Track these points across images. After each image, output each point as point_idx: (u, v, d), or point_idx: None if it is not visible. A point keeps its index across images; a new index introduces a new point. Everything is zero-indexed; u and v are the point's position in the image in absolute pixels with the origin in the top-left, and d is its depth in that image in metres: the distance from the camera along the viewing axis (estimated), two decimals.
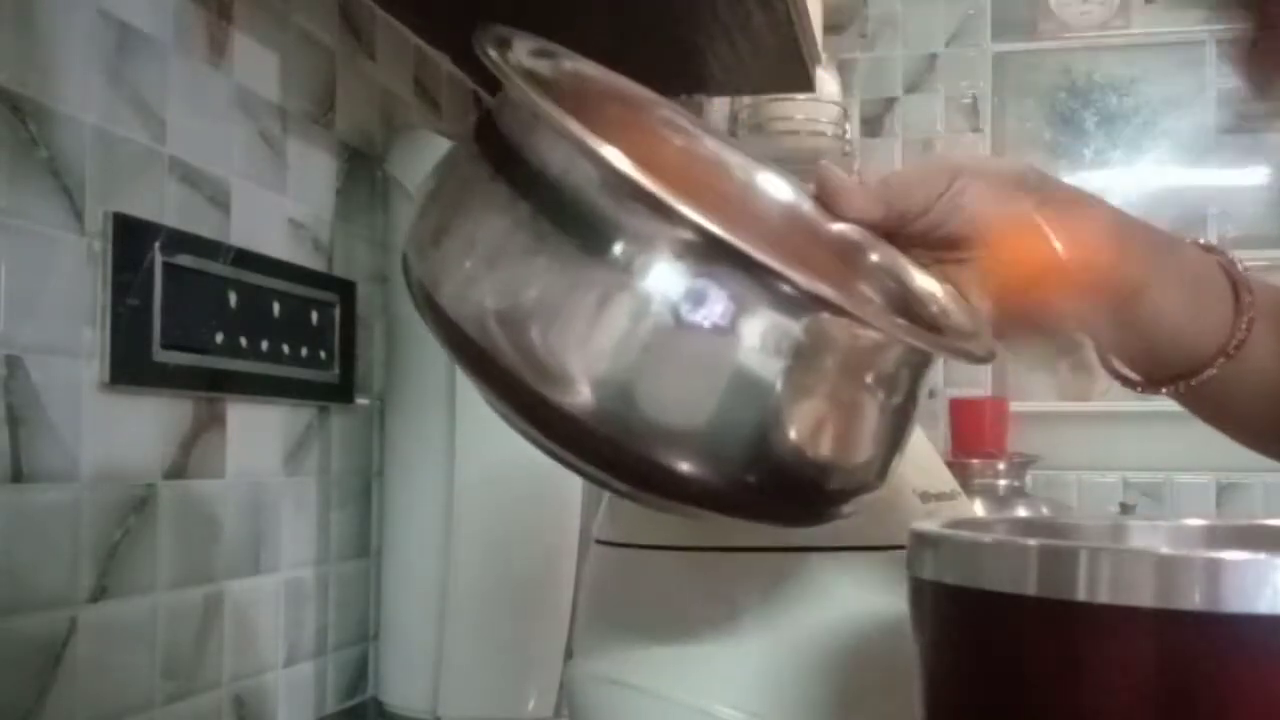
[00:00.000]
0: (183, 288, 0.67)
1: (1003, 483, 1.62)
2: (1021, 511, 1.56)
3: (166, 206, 0.67)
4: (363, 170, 0.89)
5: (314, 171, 0.83)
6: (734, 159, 0.53)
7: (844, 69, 1.92)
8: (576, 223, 0.36)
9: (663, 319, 0.35)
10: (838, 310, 0.36)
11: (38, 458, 0.58)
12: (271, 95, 0.78)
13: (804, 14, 0.99)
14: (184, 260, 0.67)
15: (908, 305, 0.49)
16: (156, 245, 0.65)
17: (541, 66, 0.45)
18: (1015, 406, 1.92)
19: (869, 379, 0.38)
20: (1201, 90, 1.88)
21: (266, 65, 0.77)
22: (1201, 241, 0.57)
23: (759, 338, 0.36)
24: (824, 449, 0.38)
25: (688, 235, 0.35)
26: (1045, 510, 1.60)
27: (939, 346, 0.42)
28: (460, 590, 0.82)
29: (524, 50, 0.43)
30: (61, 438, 0.59)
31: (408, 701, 0.85)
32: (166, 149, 0.67)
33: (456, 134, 0.94)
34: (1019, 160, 0.55)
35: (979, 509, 1.53)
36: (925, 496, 0.52)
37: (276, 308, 0.76)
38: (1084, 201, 0.52)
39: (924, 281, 0.49)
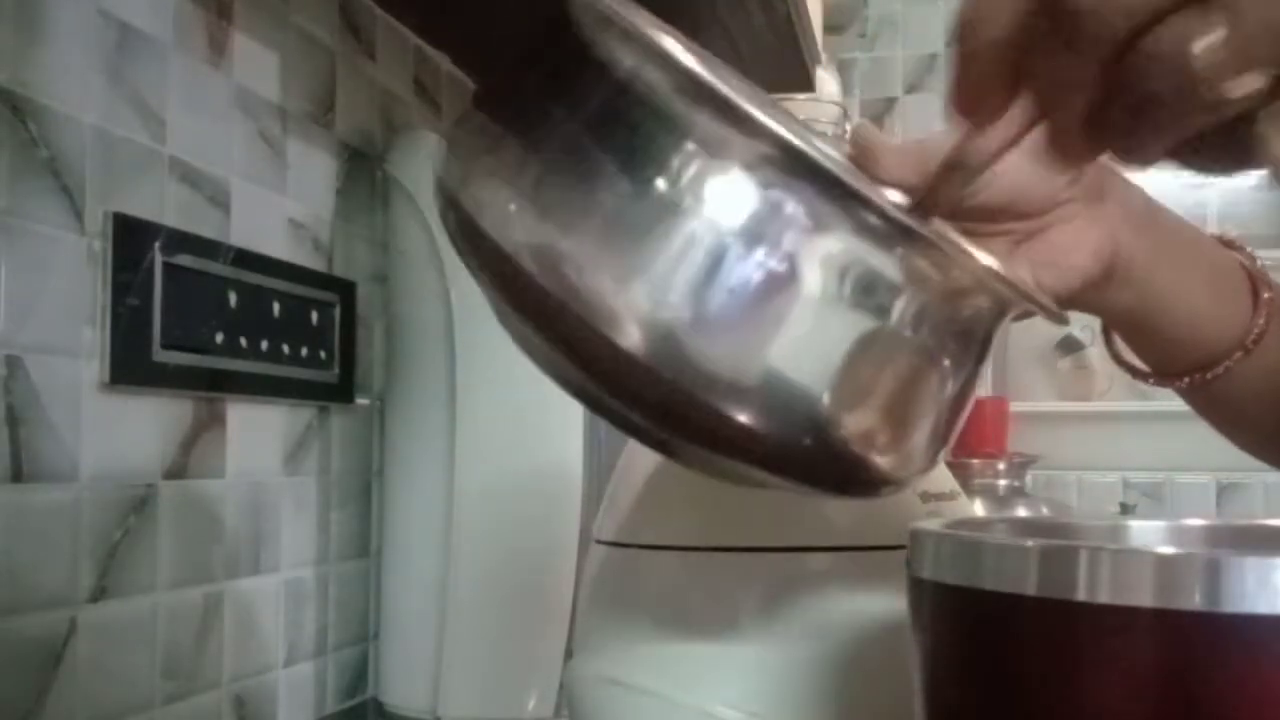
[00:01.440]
0: (183, 288, 0.67)
1: (1003, 483, 1.62)
2: (1021, 511, 1.56)
3: (166, 206, 0.67)
4: (363, 170, 0.89)
5: (314, 171, 0.83)
6: (787, 124, 0.51)
7: (844, 69, 1.92)
8: (644, 134, 0.32)
9: (735, 242, 0.32)
10: (927, 245, 0.32)
11: (38, 458, 0.58)
12: (271, 95, 0.78)
13: (804, 14, 0.99)
14: (184, 260, 0.67)
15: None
16: (156, 245, 0.65)
17: None
18: (1015, 406, 1.92)
19: (947, 330, 0.35)
20: None
21: (266, 65, 0.77)
22: (1221, 235, 0.57)
23: (840, 271, 0.32)
24: (891, 415, 0.35)
25: (766, 148, 0.31)
26: (1045, 510, 1.60)
27: (1025, 295, 0.38)
28: (460, 590, 0.82)
29: None
30: (61, 438, 0.59)
31: (408, 701, 0.85)
32: (166, 149, 0.67)
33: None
34: None
35: (979, 509, 1.53)
36: (925, 496, 0.52)
37: (276, 308, 0.76)
38: (1112, 182, 0.51)
39: (979, 255, 0.48)
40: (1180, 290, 0.52)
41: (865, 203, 0.32)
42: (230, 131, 0.73)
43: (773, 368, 0.33)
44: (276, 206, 0.78)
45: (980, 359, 0.38)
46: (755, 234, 0.32)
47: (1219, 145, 0.32)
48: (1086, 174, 0.50)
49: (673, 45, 0.31)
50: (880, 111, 2.01)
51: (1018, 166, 0.48)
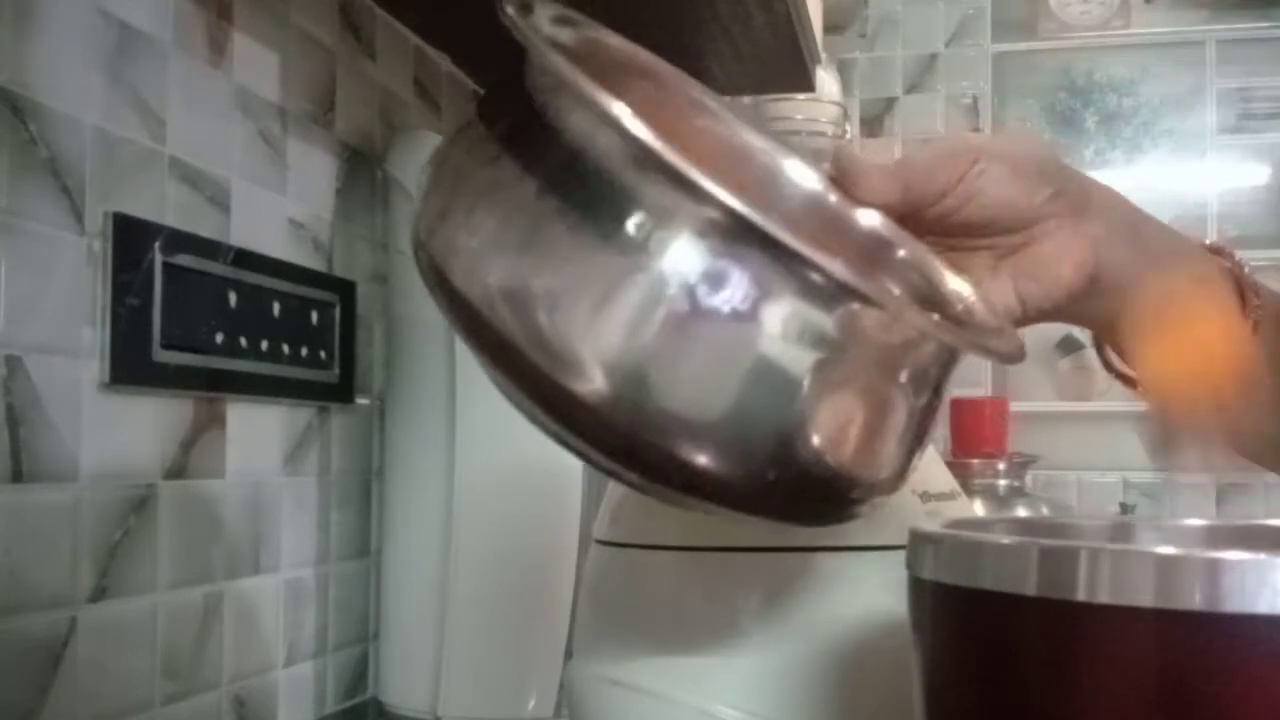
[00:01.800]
0: (183, 288, 0.67)
1: (1003, 483, 1.61)
2: (1021, 511, 1.56)
3: (166, 206, 0.67)
4: (363, 170, 0.89)
5: (314, 171, 0.83)
6: (760, 144, 0.51)
7: (844, 69, 1.92)
8: (596, 196, 0.34)
9: (682, 301, 0.33)
10: (870, 302, 0.34)
11: (38, 458, 0.58)
12: (271, 95, 0.78)
13: (804, 14, 0.99)
14: (184, 260, 0.67)
15: (933, 303, 0.48)
16: (156, 245, 0.65)
17: (563, 34, 0.43)
18: (1015, 406, 1.92)
19: (898, 375, 0.37)
20: (1201, 90, 1.88)
21: (266, 65, 0.77)
22: (1209, 242, 0.57)
23: (786, 326, 0.34)
24: (849, 447, 0.36)
25: (713, 214, 0.33)
26: (1045, 510, 1.60)
27: (972, 343, 0.40)
28: (460, 590, 0.82)
29: (545, 16, 0.41)
30: (61, 438, 0.59)
31: (408, 701, 0.85)
32: (166, 149, 0.67)
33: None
34: (1042, 144, 0.55)
35: (979, 509, 1.53)
36: (925, 496, 0.52)
37: (276, 308, 0.76)
38: (1095, 195, 0.52)
39: (952, 280, 0.49)
40: (1165, 300, 0.53)
41: (810, 263, 0.33)
42: (230, 131, 0.73)
43: (727, 414, 0.34)
44: (276, 206, 0.78)
45: (936, 392, 0.39)
46: (705, 293, 0.33)
47: None
48: (1068, 189, 0.50)
49: (622, 111, 0.33)
50: (880, 111, 2.01)
51: (999, 183, 0.49)
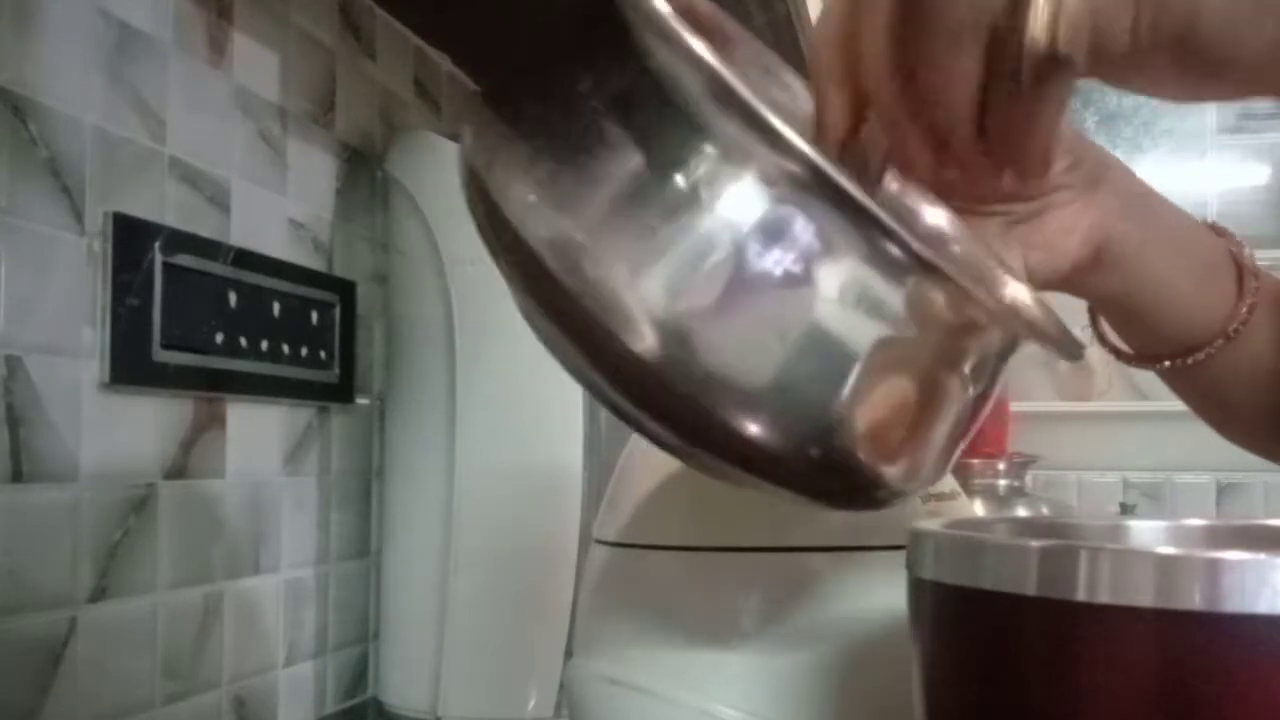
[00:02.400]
0: (183, 288, 0.67)
1: (1003, 483, 1.62)
2: (1021, 511, 1.56)
3: (166, 206, 0.67)
4: (363, 170, 0.89)
5: (314, 171, 0.83)
6: None
7: None
8: (669, 134, 0.32)
9: (743, 256, 0.32)
10: (945, 279, 0.32)
11: (38, 458, 0.58)
12: (271, 95, 0.78)
13: (804, 14, 0.99)
14: (184, 260, 0.67)
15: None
16: (156, 245, 0.65)
17: None
18: (1015, 406, 1.92)
19: (957, 361, 0.35)
20: None
21: (266, 65, 0.77)
22: (1212, 223, 0.58)
23: (852, 293, 0.32)
24: (897, 432, 0.35)
25: (788, 166, 0.31)
26: (1045, 510, 1.60)
27: (1041, 331, 0.38)
28: (460, 590, 0.82)
29: None
30: (61, 438, 0.59)
31: (408, 701, 0.85)
32: (166, 149, 0.67)
33: (458, 121, 0.93)
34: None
35: (979, 509, 1.53)
36: (925, 496, 0.52)
37: (276, 308, 0.76)
38: (1107, 168, 0.52)
39: (1010, 280, 0.48)
40: (1167, 277, 0.53)
41: (885, 230, 0.32)
42: (230, 131, 0.73)
43: (780, 378, 0.33)
44: (276, 206, 0.78)
45: (993, 380, 0.38)
46: (770, 245, 0.32)
47: None
48: (1085, 161, 0.50)
49: (707, 53, 0.31)
50: None
51: None
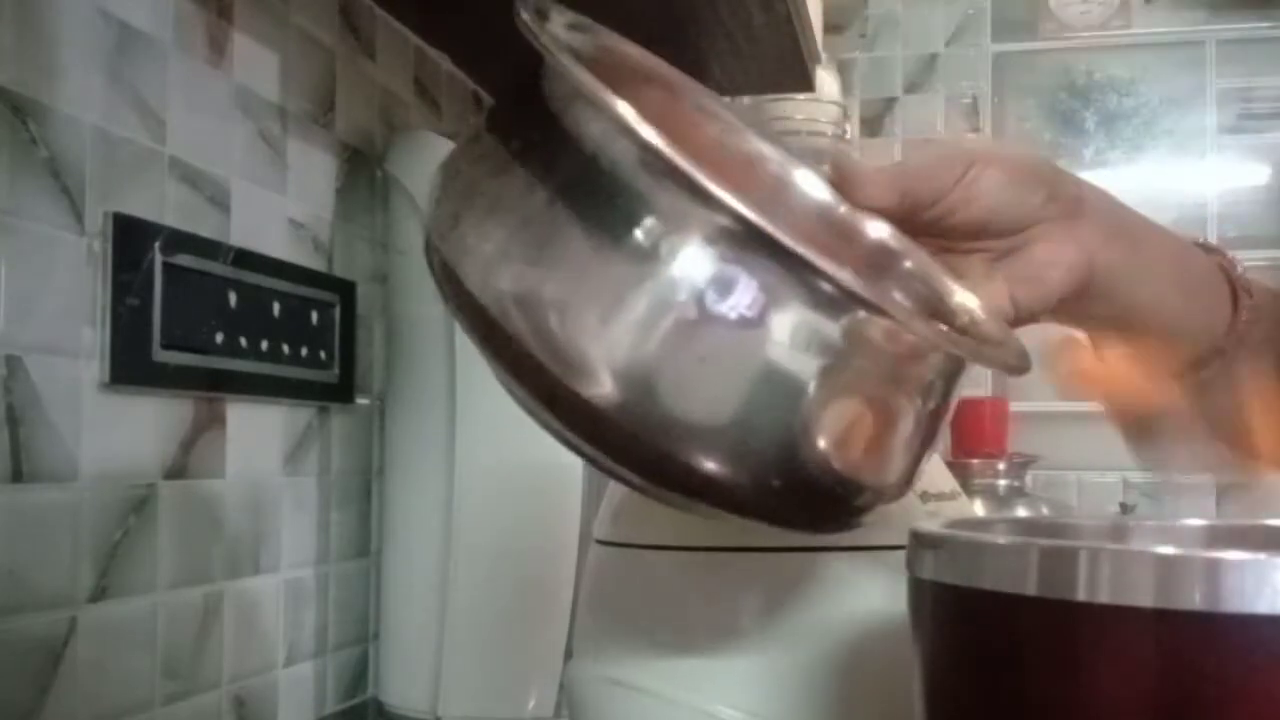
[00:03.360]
0: (183, 288, 0.67)
1: (1003, 483, 1.61)
2: (1021, 511, 1.56)
3: (166, 206, 0.67)
4: (363, 170, 0.89)
5: (314, 171, 0.83)
6: (769, 153, 0.52)
7: (844, 69, 1.92)
8: (609, 202, 0.35)
9: (691, 308, 0.34)
10: (878, 311, 0.34)
11: (38, 458, 0.58)
12: (271, 95, 0.78)
13: (804, 14, 0.99)
14: (184, 260, 0.67)
15: (939, 314, 0.48)
16: (156, 245, 0.65)
17: (577, 40, 0.43)
18: (1015, 406, 1.92)
19: (904, 383, 0.37)
20: (1201, 90, 1.88)
21: (266, 65, 0.77)
22: (1202, 241, 0.58)
23: (792, 334, 0.34)
24: (853, 455, 0.36)
25: (723, 220, 0.33)
26: (1045, 510, 1.60)
27: (978, 353, 0.41)
28: (460, 590, 0.82)
29: (560, 23, 0.42)
30: (61, 438, 0.59)
31: (408, 701, 0.85)
32: (166, 149, 0.67)
33: (463, 129, 0.94)
34: (1033, 152, 0.56)
35: (979, 509, 1.53)
36: (925, 496, 0.52)
37: (276, 308, 0.76)
38: (1089, 199, 0.52)
39: (958, 293, 0.49)
40: (1157, 301, 0.53)
41: (818, 271, 0.33)
42: (230, 131, 0.73)
43: (732, 420, 0.35)
44: (276, 206, 0.78)
45: (946, 395, 0.40)
46: (714, 300, 0.34)
47: None
48: (1061, 193, 0.51)
49: (635, 118, 0.33)
50: (880, 112, 2.01)
51: (994, 188, 0.49)
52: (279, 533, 0.79)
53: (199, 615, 0.70)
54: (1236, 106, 1.89)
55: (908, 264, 0.49)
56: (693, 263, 0.34)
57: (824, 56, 1.20)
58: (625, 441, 0.36)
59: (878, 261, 0.49)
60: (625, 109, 0.33)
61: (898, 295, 0.48)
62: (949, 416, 0.41)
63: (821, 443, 0.35)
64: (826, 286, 0.34)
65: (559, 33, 0.40)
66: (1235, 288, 0.55)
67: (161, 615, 0.67)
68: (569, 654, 0.58)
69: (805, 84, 1.14)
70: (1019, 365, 0.42)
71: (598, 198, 0.35)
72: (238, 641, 0.74)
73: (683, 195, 0.33)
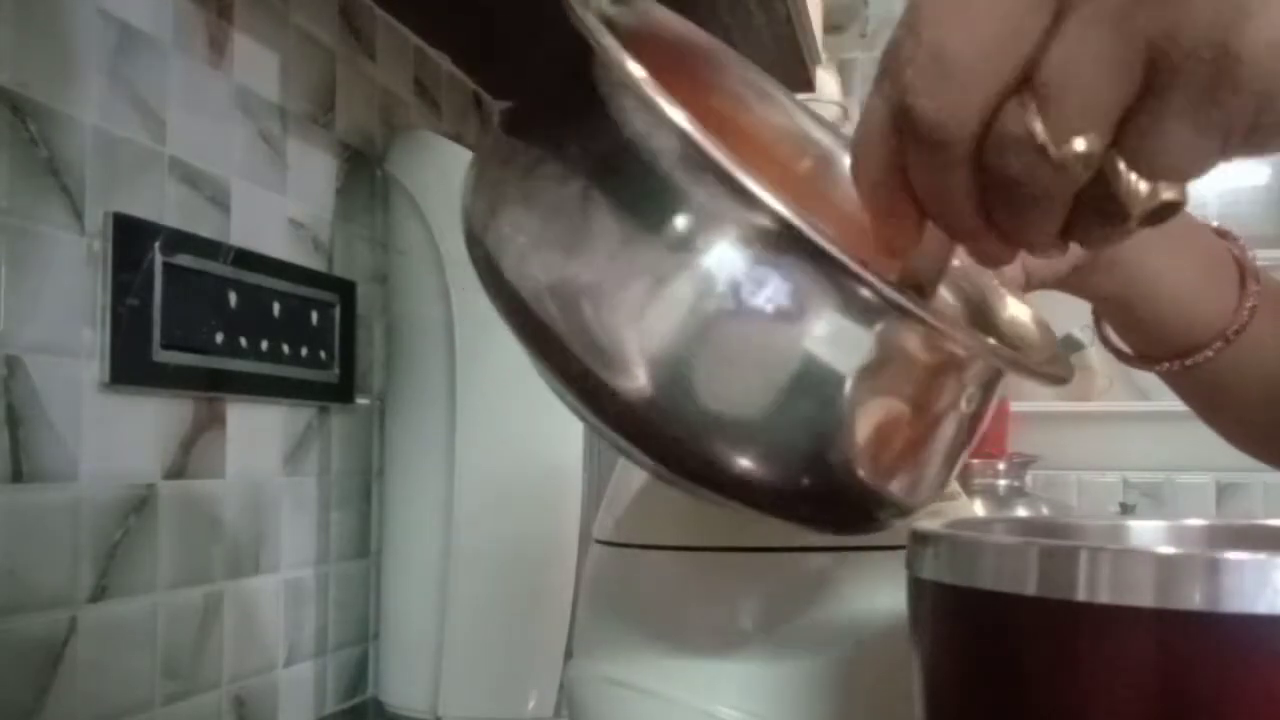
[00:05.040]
0: (183, 288, 0.67)
1: (1003, 483, 1.62)
2: (1021, 511, 1.56)
3: (166, 206, 0.67)
4: (363, 170, 0.89)
5: (314, 171, 0.83)
6: (816, 133, 0.50)
7: (844, 69, 1.92)
8: (646, 194, 0.34)
9: (726, 303, 0.33)
10: (915, 319, 0.34)
11: (38, 458, 0.58)
12: (271, 95, 0.78)
13: (804, 14, 0.99)
14: (184, 260, 0.67)
15: (981, 312, 0.47)
16: (156, 245, 0.65)
17: (623, 15, 0.42)
18: (1015, 406, 1.92)
19: (938, 390, 0.36)
20: None
21: (266, 65, 0.77)
22: (1215, 225, 0.58)
23: (827, 335, 0.34)
24: (885, 459, 0.36)
25: (762, 220, 0.33)
26: (1045, 510, 1.60)
27: (1020, 364, 0.39)
28: (460, 590, 0.82)
29: None
30: (61, 438, 0.59)
31: (408, 701, 0.85)
32: (166, 149, 0.67)
33: (475, 141, 0.94)
34: None
35: (979, 509, 1.53)
36: None
37: (276, 308, 0.76)
38: None
39: (1007, 295, 0.48)
40: (1167, 278, 0.53)
41: (858, 278, 0.33)
42: (230, 131, 0.73)
43: (763, 417, 0.34)
44: (276, 206, 0.78)
45: (984, 401, 0.39)
46: (748, 297, 0.33)
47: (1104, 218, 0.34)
48: None
49: (680, 115, 0.32)
50: None
51: None
52: (279, 533, 0.79)
53: (199, 615, 0.70)
54: None
55: (956, 261, 0.49)
56: (729, 259, 0.33)
57: (824, 56, 1.20)
58: (655, 434, 0.35)
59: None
60: (669, 104, 0.33)
61: (945, 293, 0.47)
62: (986, 423, 0.40)
63: (852, 445, 0.35)
64: (864, 291, 0.33)
65: (604, 7, 0.39)
66: (1244, 273, 0.55)
67: (161, 615, 0.67)
68: (569, 654, 0.58)
69: (805, 84, 1.14)
70: (1059, 375, 0.41)
71: (635, 189, 0.34)
72: (238, 641, 0.74)
73: (722, 192, 0.33)
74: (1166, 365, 0.56)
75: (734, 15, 0.93)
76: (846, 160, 0.49)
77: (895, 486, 0.37)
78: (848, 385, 0.34)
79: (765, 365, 0.34)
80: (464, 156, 0.81)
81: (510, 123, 0.40)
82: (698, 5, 0.91)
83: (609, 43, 0.34)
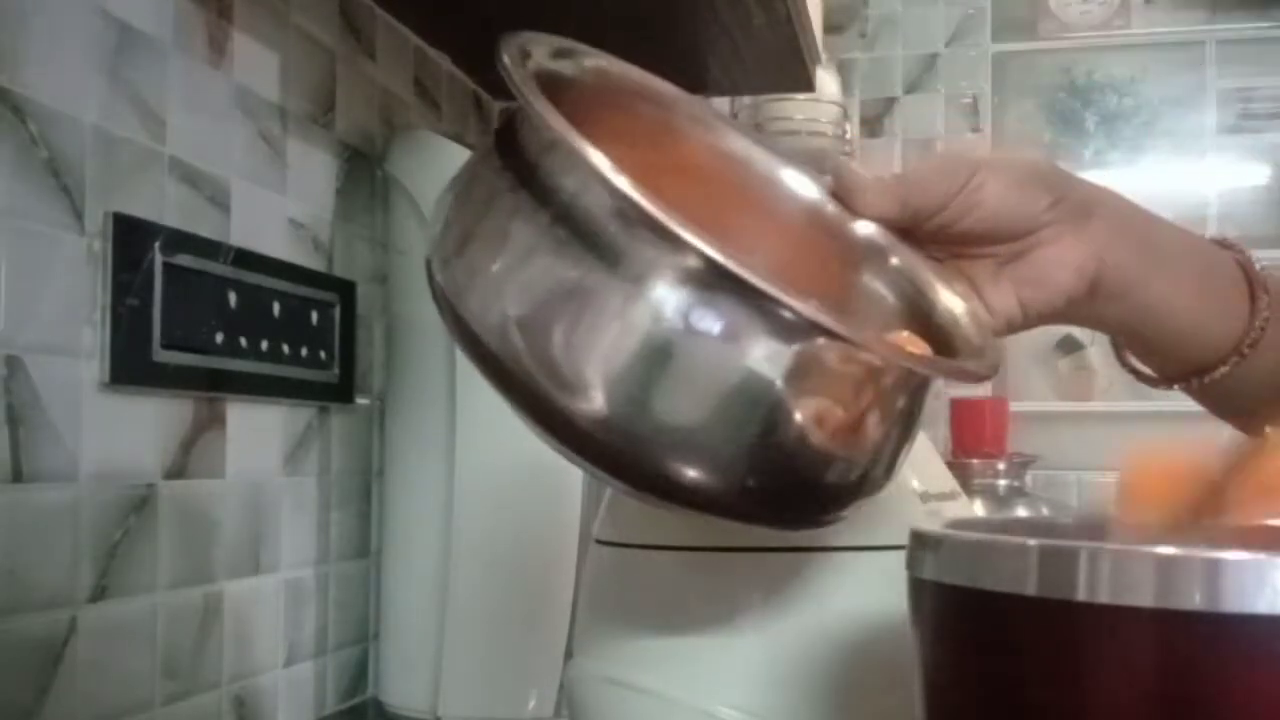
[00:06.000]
0: (183, 288, 0.67)
1: (1003, 483, 1.61)
2: (1021, 511, 1.56)
3: (166, 206, 0.67)
4: (363, 170, 0.89)
5: (314, 171, 0.83)
6: (759, 156, 0.53)
7: (844, 69, 1.92)
8: (588, 239, 0.38)
9: (667, 336, 0.37)
10: (833, 335, 0.37)
11: (38, 458, 0.58)
12: (271, 95, 0.78)
13: (804, 14, 0.99)
14: (184, 260, 0.67)
15: (922, 312, 0.49)
16: (156, 245, 0.65)
17: (564, 67, 0.45)
18: (1015, 406, 1.92)
19: (865, 395, 0.39)
20: (1201, 90, 1.88)
21: (266, 65, 0.77)
22: (1217, 236, 0.57)
23: (757, 358, 0.37)
24: (822, 458, 0.39)
25: (691, 261, 0.36)
26: (1045, 510, 1.59)
27: (934, 369, 0.43)
28: (460, 590, 0.82)
29: (545, 53, 0.44)
30: (61, 438, 0.59)
31: (408, 701, 0.85)
32: (166, 149, 0.67)
33: (474, 141, 0.94)
34: (1039, 157, 0.56)
35: (979, 509, 1.53)
36: (925, 496, 0.52)
37: (276, 308, 0.76)
38: (1099, 200, 0.52)
39: (942, 290, 0.50)
40: (1173, 301, 0.53)
41: (780, 302, 0.36)
42: (230, 131, 0.73)
43: (706, 431, 0.38)
44: (276, 206, 0.78)
45: (913, 406, 0.42)
46: (687, 329, 0.37)
47: None
48: (1069, 197, 0.51)
49: (606, 167, 0.36)
50: (880, 111, 2.01)
51: (997, 195, 0.50)
52: (279, 533, 0.79)
53: (199, 615, 0.70)
54: (1236, 106, 1.88)
55: (894, 261, 0.50)
56: (666, 297, 0.37)
57: (824, 56, 1.20)
58: (611, 453, 0.39)
59: (865, 258, 0.51)
60: (594, 155, 0.36)
61: (883, 291, 0.50)
62: (920, 417, 0.43)
63: (789, 448, 0.38)
64: (788, 315, 0.37)
65: (543, 63, 0.43)
66: (1254, 285, 0.55)
67: (161, 615, 0.67)
68: (569, 654, 0.58)
69: (805, 84, 1.14)
70: (983, 374, 0.45)
71: (579, 235, 0.38)
72: (238, 641, 0.74)
73: (652, 238, 0.37)
74: (1187, 384, 0.56)
75: (734, 15, 0.93)
76: (789, 181, 0.54)
77: (836, 483, 0.40)
78: (780, 396, 0.38)
79: (707, 383, 0.38)
80: (464, 156, 0.80)
81: (483, 159, 0.43)
82: (698, 6, 0.91)
83: (536, 103, 0.38)
